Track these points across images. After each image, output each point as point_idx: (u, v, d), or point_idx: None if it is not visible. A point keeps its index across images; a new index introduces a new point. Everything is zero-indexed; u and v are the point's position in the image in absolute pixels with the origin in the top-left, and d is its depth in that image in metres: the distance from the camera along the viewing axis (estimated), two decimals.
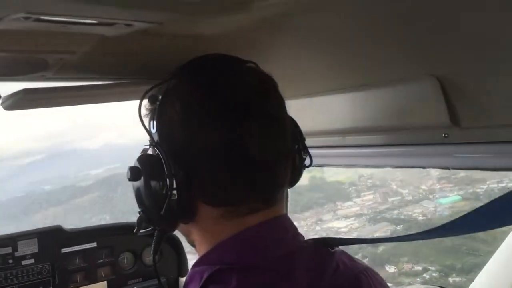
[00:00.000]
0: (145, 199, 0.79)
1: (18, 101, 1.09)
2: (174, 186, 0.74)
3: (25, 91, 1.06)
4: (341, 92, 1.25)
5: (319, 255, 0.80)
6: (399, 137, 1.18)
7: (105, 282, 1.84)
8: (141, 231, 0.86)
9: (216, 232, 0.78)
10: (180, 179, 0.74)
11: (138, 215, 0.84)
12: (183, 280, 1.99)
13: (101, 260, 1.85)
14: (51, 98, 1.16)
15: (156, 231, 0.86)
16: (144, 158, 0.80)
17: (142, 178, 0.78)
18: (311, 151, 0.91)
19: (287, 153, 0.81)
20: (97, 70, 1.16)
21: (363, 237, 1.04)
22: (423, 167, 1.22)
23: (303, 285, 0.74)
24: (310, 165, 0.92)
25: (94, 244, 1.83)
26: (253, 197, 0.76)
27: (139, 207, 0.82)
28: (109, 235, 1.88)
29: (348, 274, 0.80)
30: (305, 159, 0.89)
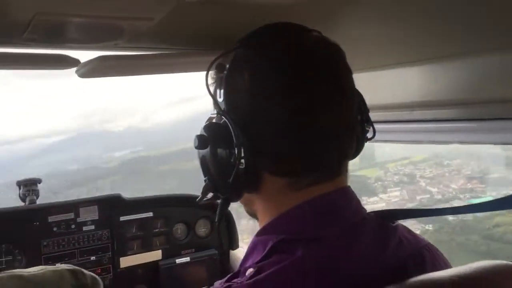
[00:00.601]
0: (212, 168, 0.79)
1: (94, 68, 1.12)
2: (242, 155, 0.74)
3: (102, 58, 1.09)
4: (409, 65, 1.24)
5: (382, 228, 0.80)
6: (470, 111, 1.17)
7: (160, 251, 1.90)
8: (204, 199, 0.85)
9: (280, 202, 0.78)
10: (247, 149, 0.74)
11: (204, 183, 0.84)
12: (233, 252, 2.04)
13: (157, 230, 1.91)
14: (125, 66, 1.19)
15: (221, 199, 0.86)
16: (211, 126, 0.79)
17: (209, 146, 0.79)
18: (375, 125, 0.89)
19: (354, 124, 0.80)
20: (168, 40, 1.19)
21: (428, 208, 1.03)
22: (494, 143, 1.22)
23: (367, 258, 0.74)
24: (372, 138, 0.90)
25: (150, 214, 1.89)
26: (319, 168, 0.76)
27: (205, 175, 0.83)
28: (164, 206, 1.93)
29: (411, 249, 0.79)
30: (367, 131, 0.87)
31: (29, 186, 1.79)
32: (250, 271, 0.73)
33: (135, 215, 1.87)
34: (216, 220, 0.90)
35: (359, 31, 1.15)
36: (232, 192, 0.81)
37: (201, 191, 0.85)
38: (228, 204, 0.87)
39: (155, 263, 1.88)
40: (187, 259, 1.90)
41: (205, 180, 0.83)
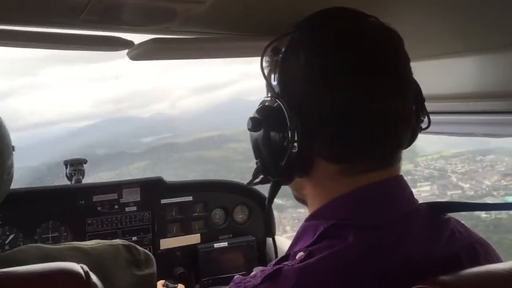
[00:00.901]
0: (264, 150, 0.79)
1: (146, 51, 1.13)
2: (296, 139, 0.74)
3: (155, 40, 1.09)
4: (467, 54, 1.22)
5: (434, 219, 0.79)
6: None
7: (198, 235, 1.93)
8: (254, 181, 0.85)
9: (331, 188, 0.77)
10: (300, 132, 0.74)
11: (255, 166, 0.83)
12: (270, 240, 2.05)
13: (196, 214, 1.94)
14: (177, 49, 1.19)
15: (271, 183, 0.86)
16: (265, 109, 0.79)
17: (262, 129, 0.78)
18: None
19: (409, 113, 0.78)
20: (218, 25, 1.19)
21: (482, 202, 1.01)
22: None
23: (418, 249, 0.73)
24: (427, 128, 0.87)
25: (190, 198, 1.92)
26: (373, 155, 0.75)
27: (256, 158, 0.82)
28: (204, 191, 1.95)
29: (464, 243, 0.78)
30: (422, 121, 0.85)
31: (75, 166, 1.83)
32: (300, 254, 0.73)
33: (176, 199, 1.89)
34: (266, 203, 0.90)
35: (416, 19, 1.13)
36: (283, 175, 0.80)
37: (252, 173, 0.84)
38: (278, 188, 0.87)
39: (193, 247, 1.90)
40: (225, 244, 1.92)
41: (256, 163, 0.83)
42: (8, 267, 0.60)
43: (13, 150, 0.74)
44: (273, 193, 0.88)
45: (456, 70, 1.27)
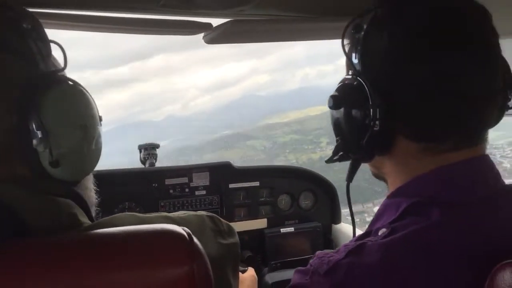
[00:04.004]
0: (345, 128, 0.79)
1: (224, 33, 1.15)
2: (378, 117, 0.73)
3: (233, 22, 1.10)
4: None
5: None
6: None
7: (265, 219, 1.96)
8: (334, 158, 0.85)
9: (413, 166, 0.76)
10: (382, 111, 0.73)
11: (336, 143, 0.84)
12: (336, 227, 2.04)
13: (262, 199, 1.97)
14: (255, 31, 1.21)
15: (352, 160, 0.86)
16: (345, 87, 0.79)
17: (343, 107, 0.78)
18: None
19: (497, 91, 0.75)
20: (293, 7, 1.19)
21: None
22: None
23: (506, 230, 0.70)
24: None
25: (257, 183, 1.95)
26: (457, 134, 0.73)
27: (337, 136, 0.83)
28: (270, 176, 1.98)
29: None
30: (509, 99, 0.81)
31: (149, 150, 1.93)
32: (383, 231, 0.73)
33: (243, 183, 1.93)
34: (346, 179, 0.90)
35: None
36: (364, 153, 0.80)
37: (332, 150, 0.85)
38: (358, 165, 0.87)
39: (260, 231, 1.94)
40: (291, 229, 1.94)
41: (337, 140, 0.83)
42: None
43: (100, 120, 0.79)
44: (353, 170, 0.88)
45: None
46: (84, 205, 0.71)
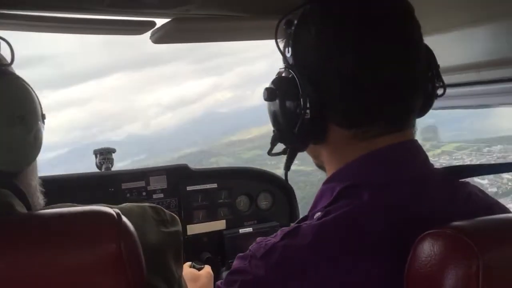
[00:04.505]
0: (279, 118, 0.83)
1: (168, 32, 1.16)
2: (308, 106, 0.77)
3: (175, 21, 1.13)
4: (475, 24, 1.22)
5: (451, 182, 0.81)
6: None
7: (224, 221, 1.97)
8: (273, 152, 0.89)
9: (346, 152, 0.80)
10: (313, 100, 0.77)
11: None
12: None
13: (221, 200, 1.98)
14: (198, 30, 1.23)
15: (288, 149, 0.89)
16: (279, 79, 0.83)
17: (277, 98, 0.82)
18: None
19: (419, 78, 0.80)
20: (236, 7, 1.21)
21: (498, 163, 0.99)
22: None
23: (434, 208, 0.75)
24: (443, 94, 0.89)
25: (215, 185, 1.96)
26: (383, 119, 0.78)
27: (273, 126, 0.87)
28: (228, 178, 2.00)
29: (482, 204, 0.80)
30: (437, 88, 0.87)
31: (105, 155, 1.92)
32: (318, 214, 0.77)
33: (201, 186, 1.94)
34: (284, 168, 0.93)
35: None
36: (298, 141, 0.85)
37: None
38: (295, 154, 0.91)
39: (219, 232, 1.95)
40: (249, 229, 1.97)
41: (273, 131, 0.87)
42: None
43: (44, 118, 0.80)
44: (290, 159, 0.91)
45: (465, 41, 1.27)
46: (22, 197, 0.72)
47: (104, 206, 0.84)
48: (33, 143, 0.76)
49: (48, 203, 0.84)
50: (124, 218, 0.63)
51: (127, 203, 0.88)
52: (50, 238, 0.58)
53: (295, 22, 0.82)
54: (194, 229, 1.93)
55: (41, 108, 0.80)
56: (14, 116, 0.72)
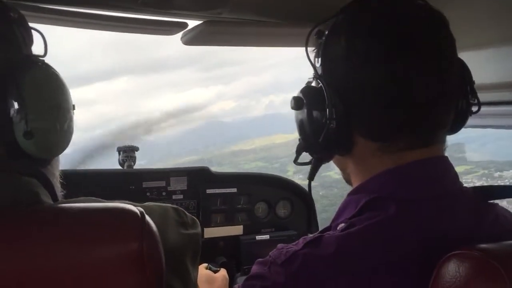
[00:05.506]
0: (305, 127, 0.83)
1: (199, 34, 1.17)
2: (334, 116, 0.77)
3: (207, 23, 1.14)
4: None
5: (479, 202, 0.78)
6: None
7: (241, 226, 1.96)
8: (299, 161, 0.89)
9: (373, 165, 0.79)
10: (339, 111, 0.77)
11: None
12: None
13: (240, 206, 1.98)
14: (230, 33, 1.23)
15: (313, 159, 0.89)
16: (307, 89, 0.84)
17: (304, 107, 0.82)
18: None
19: (451, 94, 0.78)
20: (269, 13, 1.21)
21: None
22: None
23: (460, 228, 0.73)
24: (477, 111, 0.86)
25: (234, 190, 1.96)
26: (410, 134, 0.77)
27: (299, 135, 0.86)
28: (248, 183, 1.99)
29: (509, 227, 0.77)
30: (472, 104, 0.85)
31: (128, 153, 1.94)
32: (341, 225, 0.75)
33: (221, 189, 1.94)
34: (308, 177, 0.92)
35: (465, 7, 1.12)
36: (323, 152, 0.84)
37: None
38: (319, 164, 0.90)
39: (236, 237, 1.94)
40: (266, 236, 1.95)
41: (299, 140, 0.86)
42: None
43: (74, 108, 0.82)
44: (314, 170, 0.91)
45: (501, 59, 1.24)
46: (49, 186, 0.73)
47: (127, 203, 0.84)
48: (65, 133, 0.78)
49: (67, 196, 0.85)
50: (148, 218, 0.63)
51: (149, 202, 0.89)
52: (77, 232, 0.59)
53: (326, 32, 0.82)
54: (211, 232, 1.92)
55: (71, 100, 0.82)
56: (51, 104, 0.74)
